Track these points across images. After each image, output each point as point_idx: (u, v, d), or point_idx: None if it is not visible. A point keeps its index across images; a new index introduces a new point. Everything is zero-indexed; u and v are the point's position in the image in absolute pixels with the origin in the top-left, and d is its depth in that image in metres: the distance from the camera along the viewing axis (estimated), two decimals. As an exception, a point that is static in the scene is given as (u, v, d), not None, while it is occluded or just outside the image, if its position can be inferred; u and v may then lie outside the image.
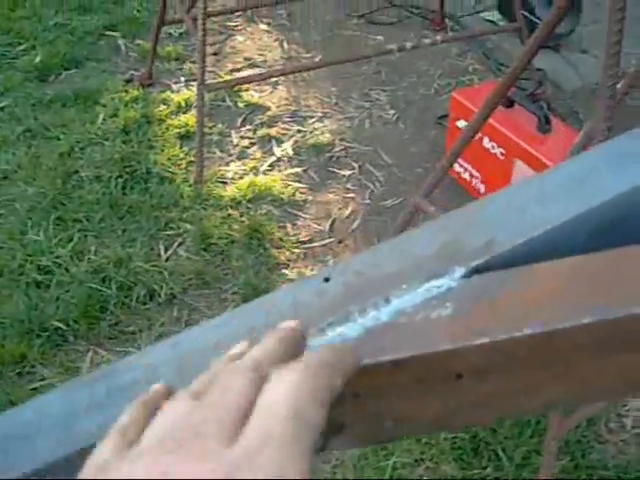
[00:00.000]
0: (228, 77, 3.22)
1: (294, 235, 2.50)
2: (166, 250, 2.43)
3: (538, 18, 2.98)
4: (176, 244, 2.45)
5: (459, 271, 0.52)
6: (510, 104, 2.45)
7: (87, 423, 0.48)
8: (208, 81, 2.67)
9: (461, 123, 2.55)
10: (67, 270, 2.32)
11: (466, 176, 2.63)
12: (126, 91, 3.13)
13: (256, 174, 2.74)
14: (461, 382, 0.49)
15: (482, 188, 2.57)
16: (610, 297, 0.47)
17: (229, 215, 2.54)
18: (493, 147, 2.45)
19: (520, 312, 0.48)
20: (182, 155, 2.80)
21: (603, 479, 1.78)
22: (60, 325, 2.17)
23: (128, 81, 3.20)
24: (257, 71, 3.23)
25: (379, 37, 3.55)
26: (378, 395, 0.50)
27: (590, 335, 0.47)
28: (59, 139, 2.86)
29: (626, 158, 0.58)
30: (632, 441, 1.88)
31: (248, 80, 2.93)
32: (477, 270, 0.52)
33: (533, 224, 0.54)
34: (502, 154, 2.43)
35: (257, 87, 3.18)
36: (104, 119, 2.96)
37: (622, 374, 0.50)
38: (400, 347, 0.48)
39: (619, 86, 1.34)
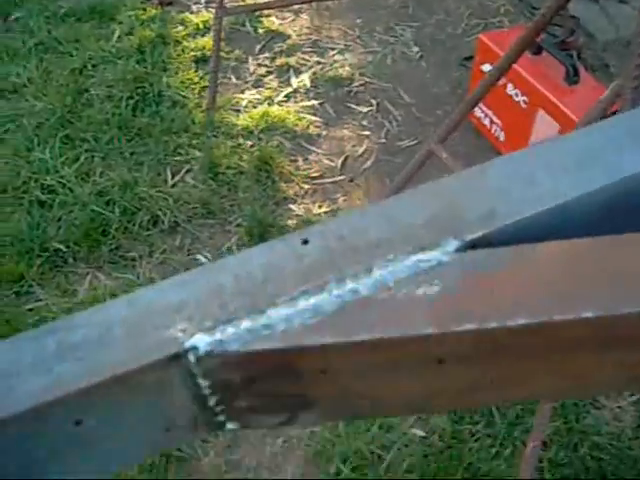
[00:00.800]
0: (249, 1, 3.11)
1: (304, 170, 2.44)
2: (173, 176, 2.38)
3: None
4: (184, 171, 2.40)
5: (452, 244, 0.47)
6: (538, 51, 2.34)
7: (31, 382, 0.44)
8: (228, 4, 2.57)
9: (486, 67, 2.45)
10: (71, 191, 2.27)
11: (486, 122, 2.55)
12: (144, 9, 3.03)
13: (271, 104, 2.66)
14: (443, 367, 0.44)
15: (502, 136, 2.49)
16: (615, 289, 0.42)
17: (239, 145, 2.48)
18: (517, 95, 2.35)
19: (516, 297, 0.43)
20: (196, 79, 2.72)
21: (595, 444, 1.75)
22: (60, 247, 2.14)
23: (147, -1, 3.10)
24: (280, -4, 3.11)
25: (410, -31, 3.41)
26: (349, 373, 0.45)
27: (589, 329, 0.42)
28: (72, 55, 2.79)
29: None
30: (628, 409, 1.84)
31: (270, 6, 2.81)
32: (473, 244, 0.47)
33: (540, 197, 0.48)
34: (525, 102, 2.34)
35: (279, 13, 3.07)
36: (119, 37, 2.88)
37: (620, 370, 0.46)
38: (377, 326, 0.43)
39: (654, 41, 1.25)
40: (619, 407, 1.84)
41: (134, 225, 2.20)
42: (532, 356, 0.44)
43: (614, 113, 1.85)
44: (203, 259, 2.14)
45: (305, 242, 0.48)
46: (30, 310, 2.00)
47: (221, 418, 0.45)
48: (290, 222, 2.23)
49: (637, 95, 1.23)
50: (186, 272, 0.49)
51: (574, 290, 0.43)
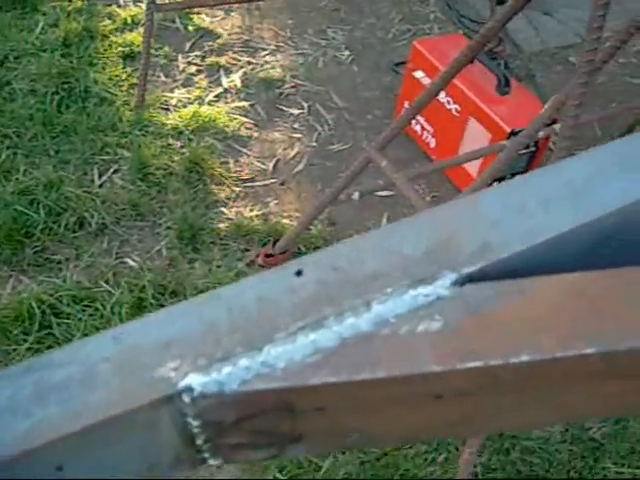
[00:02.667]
0: (179, -3, 3.05)
1: (235, 172, 2.41)
2: (100, 176, 2.31)
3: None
4: (111, 171, 2.33)
5: (450, 277, 0.46)
6: (470, 60, 2.37)
7: (10, 429, 0.40)
8: (159, 0, 2.50)
9: (418, 74, 2.47)
10: (-8, 189, 2.18)
11: (417, 128, 2.57)
12: (69, 0, 2.93)
13: (201, 104, 2.61)
14: (440, 401, 0.44)
15: (432, 142, 2.52)
16: (615, 324, 0.42)
17: (169, 145, 2.42)
18: (449, 102, 2.38)
19: (517, 333, 0.43)
20: (124, 76, 2.65)
21: (525, 448, 1.79)
22: (-19, 247, 2.04)
23: (72, -10, 2.99)
24: (211, -6, 3.06)
25: (341, -28, 3.41)
26: (346, 410, 0.44)
27: (589, 364, 0.42)
28: (-8, 45, 2.67)
29: (634, 160, 0.52)
30: (556, 412, 1.88)
31: (203, 3, 2.76)
32: (470, 278, 0.46)
33: (534, 230, 0.48)
34: (457, 111, 2.37)
35: (209, 11, 3.03)
36: (43, 28, 2.77)
37: (613, 400, 0.46)
38: (379, 364, 0.42)
39: (596, 59, 1.28)
40: (546, 412, 1.88)
41: (59, 227, 2.13)
42: (528, 389, 0.44)
43: (554, 122, 1.90)
44: (132, 262, 2.08)
45: (299, 273, 0.47)
46: (-52, 315, 1.90)
47: (206, 455, 0.44)
48: (222, 225, 2.19)
49: (579, 111, 1.26)
50: (174, 305, 0.47)
51: (574, 326, 0.43)
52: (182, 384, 0.40)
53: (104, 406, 0.40)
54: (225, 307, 0.45)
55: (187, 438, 0.42)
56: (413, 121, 2.56)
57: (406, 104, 2.56)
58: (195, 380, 0.40)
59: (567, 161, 0.53)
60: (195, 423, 0.41)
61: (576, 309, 0.44)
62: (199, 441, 0.42)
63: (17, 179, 2.22)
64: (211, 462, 0.44)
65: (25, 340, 1.84)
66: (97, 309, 1.90)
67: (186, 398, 0.40)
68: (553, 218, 0.48)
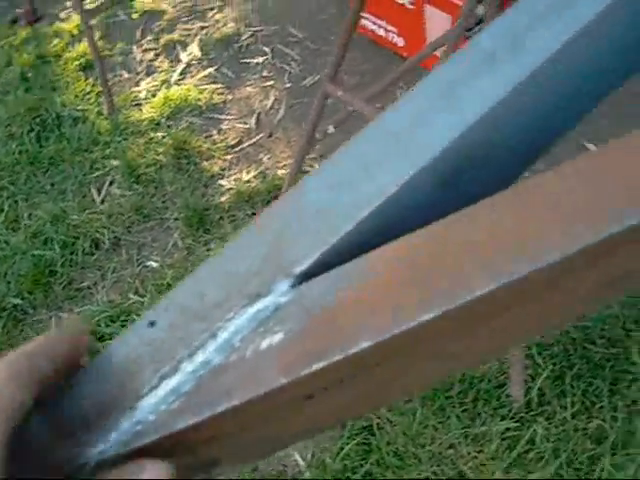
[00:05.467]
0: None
1: (222, 141, 2.41)
2: (99, 193, 2.34)
3: None
4: (107, 184, 2.36)
5: (285, 283, 0.46)
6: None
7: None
8: (88, 4, 2.49)
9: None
10: (7, 243, 2.24)
11: (381, 33, 2.51)
12: (14, 34, 2.93)
13: (168, 87, 2.61)
14: (314, 400, 0.45)
15: (400, 42, 2.46)
16: (456, 280, 0.42)
17: (151, 139, 2.44)
18: (398, -2, 2.31)
19: (357, 318, 0.43)
20: (89, 88, 2.66)
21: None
22: (17, 301, 2.12)
23: (13, 22, 2.99)
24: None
25: None
26: (227, 435, 0.46)
27: (432, 329, 0.42)
28: (-42, 104, 2.71)
29: (453, 87, 0.50)
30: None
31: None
32: (305, 275, 0.46)
33: (359, 202, 0.47)
34: (411, 3, 2.30)
35: (147, -9, 2.99)
36: (1, 71, 2.79)
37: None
38: (232, 393, 0.43)
39: None
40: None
41: (77, 255, 2.18)
42: (390, 361, 0.44)
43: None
44: (154, 264, 2.13)
45: (152, 324, 0.48)
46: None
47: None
48: (224, 198, 2.21)
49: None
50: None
51: (413, 296, 0.42)
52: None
53: None
54: (94, 378, 0.47)
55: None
56: (375, 27, 2.50)
57: (361, 13, 2.49)
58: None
59: (387, 112, 0.52)
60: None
61: (412, 277, 0.43)
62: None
63: (25, 225, 2.28)
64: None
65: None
66: (134, 322, 1.96)
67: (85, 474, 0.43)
68: (379, 181, 0.47)
